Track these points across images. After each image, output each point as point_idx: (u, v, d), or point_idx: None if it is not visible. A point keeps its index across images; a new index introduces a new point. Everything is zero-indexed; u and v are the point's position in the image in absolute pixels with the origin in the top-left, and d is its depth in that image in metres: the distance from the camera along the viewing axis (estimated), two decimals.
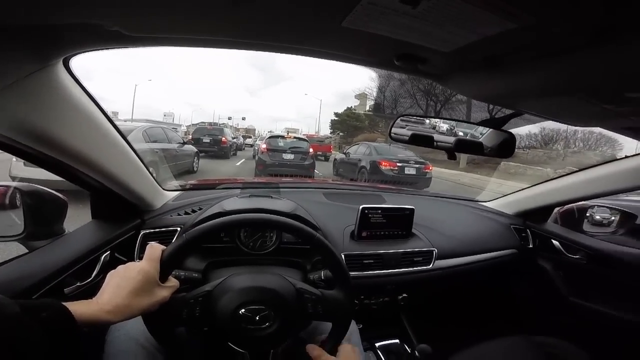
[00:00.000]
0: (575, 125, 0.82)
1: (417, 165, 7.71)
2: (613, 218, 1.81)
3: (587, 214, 1.65)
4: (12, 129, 0.55)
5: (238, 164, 10.76)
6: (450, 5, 0.36)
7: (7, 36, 0.43)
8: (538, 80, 0.55)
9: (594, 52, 0.42)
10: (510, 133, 0.79)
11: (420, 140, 0.87)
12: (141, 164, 0.96)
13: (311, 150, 8.03)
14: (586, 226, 1.61)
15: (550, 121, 0.80)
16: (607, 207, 1.77)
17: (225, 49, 0.57)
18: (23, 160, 0.72)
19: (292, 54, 0.59)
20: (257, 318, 0.66)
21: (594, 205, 1.69)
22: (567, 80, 0.53)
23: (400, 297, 1.25)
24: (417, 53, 0.52)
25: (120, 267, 0.59)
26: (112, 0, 0.40)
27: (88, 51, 0.55)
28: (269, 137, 8.35)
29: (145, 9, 0.43)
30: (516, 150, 0.82)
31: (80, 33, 0.49)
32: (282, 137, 8.21)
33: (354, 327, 0.93)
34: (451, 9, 0.37)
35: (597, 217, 1.86)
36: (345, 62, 0.62)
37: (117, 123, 0.80)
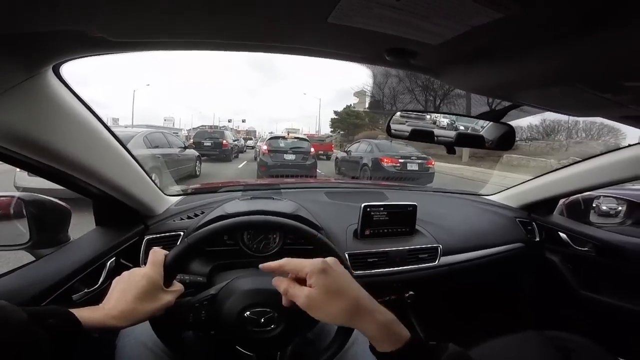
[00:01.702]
0: (575, 116, 0.81)
1: (419, 161, 7.68)
2: (620, 208, 1.79)
3: (594, 205, 1.64)
4: (5, 138, 0.55)
5: (240, 166, 10.79)
6: None
7: None
8: (532, 70, 0.54)
9: (586, 40, 0.41)
10: (510, 125, 0.78)
11: (421, 136, 0.87)
12: (141, 169, 0.96)
13: (312, 150, 8.03)
14: (593, 217, 1.60)
15: (551, 112, 0.80)
16: (613, 197, 1.75)
17: (210, 50, 0.56)
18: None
19: (281, 53, 0.58)
20: (262, 320, 0.65)
21: (600, 196, 1.67)
22: (562, 70, 0.52)
23: (407, 294, 1.25)
24: (407, 47, 0.51)
25: (125, 273, 0.60)
26: (92, 7, 0.40)
27: (76, 58, 0.55)
28: (270, 138, 8.35)
29: (125, 15, 0.43)
30: (518, 142, 0.82)
31: (65, 40, 0.49)
32: (283, 137, 8.21)
33: None
34: (435, 0, 0.36)
35: (604, 207, 1.84)
36: (337, 59, 0.61)
37: (117, 129, 0.80)
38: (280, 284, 0.54)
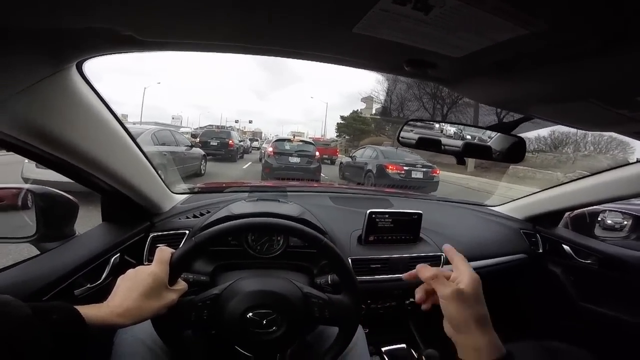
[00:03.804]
0: (587, 130, 0.81)
1: (424, 169, 7.63)
2: (625, 222, 1.77)
3: (599, 219, 1.63)
4: (25, 132, 0.56)
5: (245, 167, 10.82)
6: (462, 11, 0.36)
7: (22, 40, 0.44)
8: (549, 85, 0.54)
9: (605, 58, 0.41)
10: (520, 137, 0.78)
11: (428, 144, 0.86)
12: (151, 167, 0.97)
13: (317, 153, 8.03)
14: (598, 231, 1.59)
15: (564, 126, 0.79)
16: (619, 211, 1.74)
17: (237, 53, 0.57)
18: (35, 162, 0.73)
19: (302, 59, 0.59)
20: (264, 322, 0.66)
21: (606, 210, 1.66)
22: (579, 86, 0.52)
23: (408, 301, 1.24)
24: (426, 58, 0.52)
25: (131, 271, 0.60)
26: (125, 6, 0.40)
27: (102, 55, 0.56)
28: (276, 141, 8.38)
29: (158, 15, 0.43)
30: (526, 153, 0.81)
31: (94, 37, 0.49)
32: (289, 140, 8.23)
33: (360, 332, 0.93)
34: (463, 15, 0.37)
35: (609, 221, 1.82)
36: (355, 67, 0.62)
37: (126, 126, 0.81)
38: (427, 271, 0.56)
